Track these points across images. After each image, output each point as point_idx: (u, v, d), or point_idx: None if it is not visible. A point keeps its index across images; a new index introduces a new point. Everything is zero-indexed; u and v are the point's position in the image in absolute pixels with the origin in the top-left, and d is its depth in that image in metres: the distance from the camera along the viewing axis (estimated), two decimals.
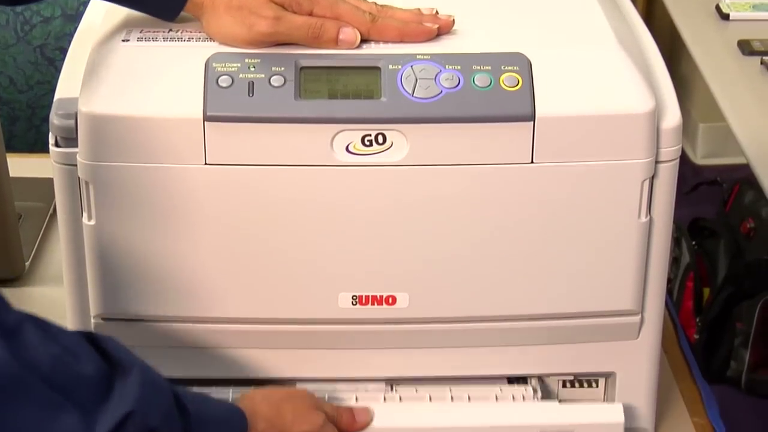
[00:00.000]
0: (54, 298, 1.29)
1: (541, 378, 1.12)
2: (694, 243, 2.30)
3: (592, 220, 1.03)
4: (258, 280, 1.04)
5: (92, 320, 1.06)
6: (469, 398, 1.09)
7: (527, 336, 1.08)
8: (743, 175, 2.32)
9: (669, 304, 1.24)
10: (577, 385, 1.13)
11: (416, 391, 1.09)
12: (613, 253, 1.04)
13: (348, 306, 1.05)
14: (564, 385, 1.13)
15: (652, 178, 1.03)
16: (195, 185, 1.00)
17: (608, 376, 1.12)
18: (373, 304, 1.05)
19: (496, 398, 1.09)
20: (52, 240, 1.41)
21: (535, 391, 1.10)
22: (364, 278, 1.04)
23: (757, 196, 2.26)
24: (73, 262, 1.05)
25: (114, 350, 0.86)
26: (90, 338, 0.87)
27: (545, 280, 1.05)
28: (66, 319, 1.07)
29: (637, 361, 1.10)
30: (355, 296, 1.05)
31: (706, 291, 2.28)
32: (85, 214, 1.02)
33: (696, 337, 2.25)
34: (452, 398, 1.09)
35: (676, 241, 2.27)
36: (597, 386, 1.13)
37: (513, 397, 1.10)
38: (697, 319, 2.26)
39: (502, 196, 1.02)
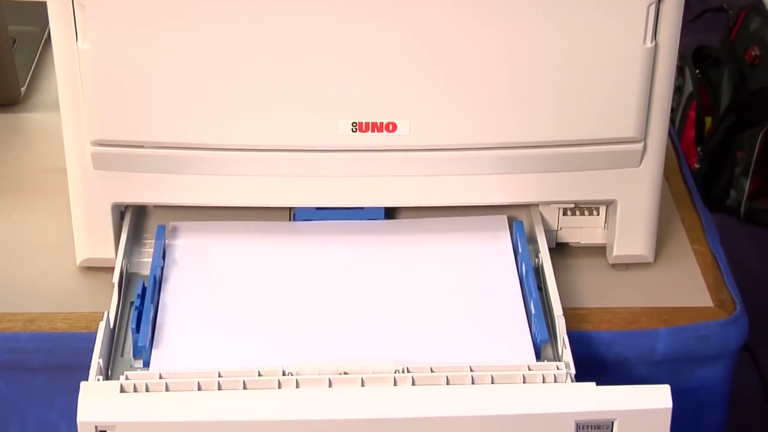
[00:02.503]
0: (51, 123, 1.29)
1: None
2: (697, 71, 2.29)
3: (596, 45, 1.01)
4: (257, 106, 1.03)
5: (89, 147, 1.05)
6: (492, 379, 0.95)
7: (528, 164, 1.08)
8: (750, 2, 2.29)
9: (672, 133, 1.23)
10: (577, 213, 1.13)
11: (431, 370, 0.95)
12: (617, 79, 1.03)
13: (348, 133, 1.04)
14: (564, 213, 1.13)
15: (659, 1, 1.01)
16: (192, 4, 0.98)
17: (609, 203, 1.12)
18: (373, 131, 1.04)
19: (524, 379, 0.95)
20: (47, 65, 1.40)
21: (567, 366, 0.97)
22: (364, 105, 1.03)
23: (763, 23, 2.24)
24: (68, 88, 1.03)
25: None
26: None
27: (548, 106, 1.04)
28: (63, 145, 1.06)
29: (638, 188, 1.10)
30: (355, 123, 1.04)
31: (708, 120, 2.28)
32: (79, 38, 1.01)
33: (696, 166, 2.25)
34: (473, 380, 0.94)
35: (679, 70, 2.25)
36: (597, 214, 1.14)
37: (543, 378, 0.95)
38: (699, 149, 2.26)
39: (504, 19, 1.00)
